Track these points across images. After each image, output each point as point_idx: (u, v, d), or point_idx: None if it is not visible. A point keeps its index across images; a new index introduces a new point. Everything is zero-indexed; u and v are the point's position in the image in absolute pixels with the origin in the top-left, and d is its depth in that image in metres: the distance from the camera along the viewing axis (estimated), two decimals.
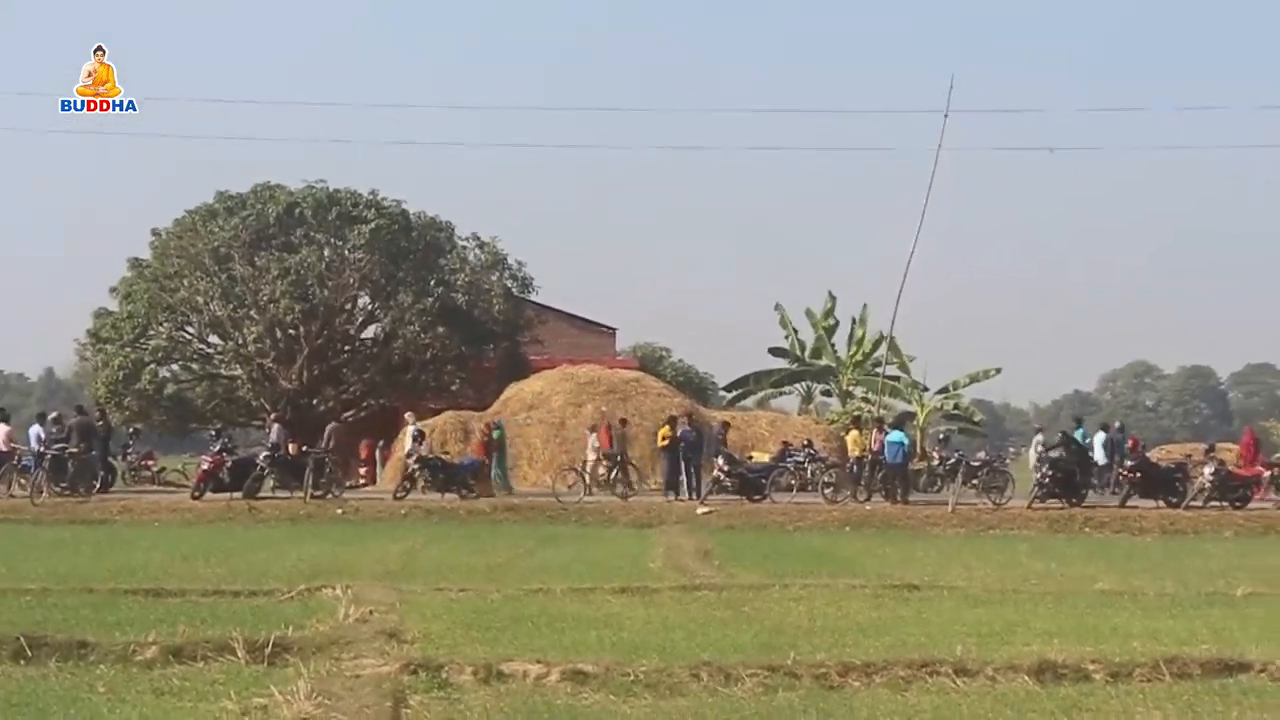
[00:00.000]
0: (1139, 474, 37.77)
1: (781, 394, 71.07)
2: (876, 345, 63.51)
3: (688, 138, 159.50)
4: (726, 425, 42.51)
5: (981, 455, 42.48)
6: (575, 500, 36.12)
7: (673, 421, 40.04)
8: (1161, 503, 36.91)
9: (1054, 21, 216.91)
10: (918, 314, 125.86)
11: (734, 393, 69.84)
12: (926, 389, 65.04)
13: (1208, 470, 37.42)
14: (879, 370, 58.18)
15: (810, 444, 43.79)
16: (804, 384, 69.43)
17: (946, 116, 46.11)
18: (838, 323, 67.62)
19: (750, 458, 41.30)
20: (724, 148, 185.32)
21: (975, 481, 38.94)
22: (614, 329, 69.67)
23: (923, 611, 17.03)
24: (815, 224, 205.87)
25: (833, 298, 67.76)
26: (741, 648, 13.90)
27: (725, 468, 37.41)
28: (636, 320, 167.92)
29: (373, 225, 54.15)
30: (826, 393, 68.74)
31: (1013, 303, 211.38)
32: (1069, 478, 37.02)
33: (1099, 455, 40.40)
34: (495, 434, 40.29)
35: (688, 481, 38.19)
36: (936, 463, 43.94)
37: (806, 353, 68.16)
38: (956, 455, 42.30)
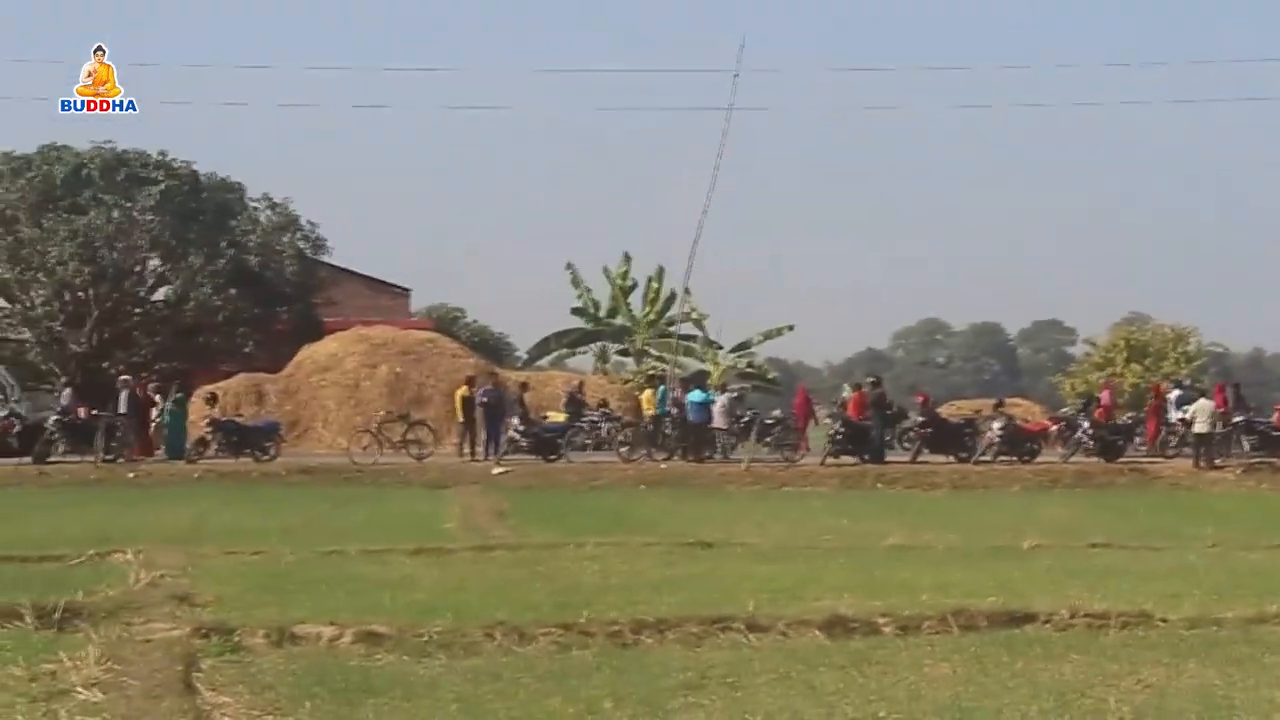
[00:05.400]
0: (930, 429, 38.49)
1: (577, 354, 70.97)
2: (670, 304, 63.68)
3: (481, 97, 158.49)
4: (525, 385, 42.36)
5: (776, 413, 42.94)
6: (370, 461, 35.97)
7: (470, 381, 39.89)
8: (952, 458, 37.59)
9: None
10: (713, 273, 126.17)
11: (532, 354, 69.77)
12: (721, 347, 65.47)
13: (996, 425, 38.17)
14: (674, 329, 58.35)
15: (605, 403, 43.99)
16: (599, 344, 69.35)
17: (737, 76, 46.33)
18: (635, 283, 67.55)
19: (545, 417, 41.20)
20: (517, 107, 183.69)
21: (769, 439, 39.24)
22: (408, 290, 69.40)
23: (715, 569, 17.19)
24: (612, 184, 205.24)
25: (628, 258, 67.76)
26: (536, 607, 13.92)
27: (520, 428, 37.39)
28: (432, 283, 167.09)
29: (162, 186, 53.29)
30: (623, 352, 68.68)
31: (807, 261, 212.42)
32: (862, 434, 37.55)
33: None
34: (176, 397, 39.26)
35: (489, 441, 38.14)
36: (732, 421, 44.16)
37: (602, 312, 68.10)
38: (751, 413, 42.63)
